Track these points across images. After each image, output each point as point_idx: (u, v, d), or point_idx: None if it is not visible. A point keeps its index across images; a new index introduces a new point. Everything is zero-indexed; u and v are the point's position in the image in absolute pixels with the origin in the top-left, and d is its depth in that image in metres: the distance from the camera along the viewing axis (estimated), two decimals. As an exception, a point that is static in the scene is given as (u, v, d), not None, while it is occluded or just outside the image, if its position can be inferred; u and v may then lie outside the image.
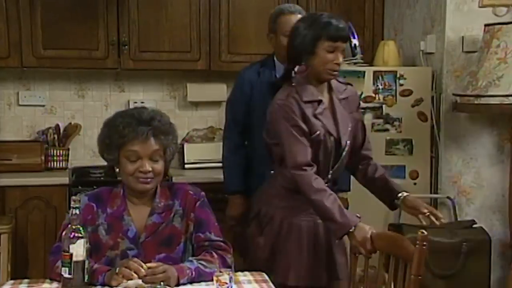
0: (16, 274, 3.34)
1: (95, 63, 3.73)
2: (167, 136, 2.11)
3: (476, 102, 2.91)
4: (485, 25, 3.03)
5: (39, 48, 3.62)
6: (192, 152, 4.05)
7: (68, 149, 3.90)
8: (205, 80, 4.13)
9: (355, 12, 3.99)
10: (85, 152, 4.01)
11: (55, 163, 3.83)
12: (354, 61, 3.43)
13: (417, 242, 1.94)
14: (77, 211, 1.90)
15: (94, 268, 1.99)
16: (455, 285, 3.14)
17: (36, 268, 3.43)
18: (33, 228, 3.49)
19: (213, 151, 4.08)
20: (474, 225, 3.25)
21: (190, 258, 2.07)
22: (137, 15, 3.74)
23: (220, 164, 4.03)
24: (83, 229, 1.89)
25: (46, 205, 3.50)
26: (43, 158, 3.74)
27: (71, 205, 1.91)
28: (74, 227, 1.88)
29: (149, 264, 1.94)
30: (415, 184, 3.45)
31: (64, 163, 3.86)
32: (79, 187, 3.38)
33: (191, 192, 2.18)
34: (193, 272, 1.99)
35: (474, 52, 3.20)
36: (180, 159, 4.06)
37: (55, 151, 3.83)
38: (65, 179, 3.54)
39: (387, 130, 3.41)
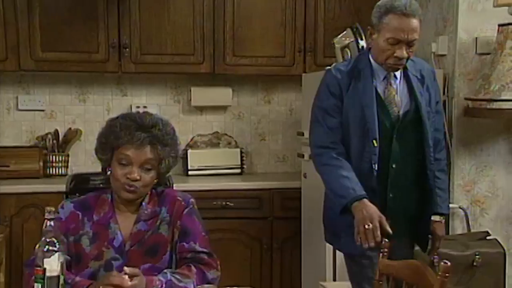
0: (11, 284, 3.27)
1: (95, 66, 3.66)
2: (165, 147, 2.01)
3: (488, 106, 2.75)
4: (499, 25, 2.87)
5: (37, 50, 3.56)
6: (196, 158, 3.95)
7: (68, 155, 3.82)
8: (210, 84, 4.02)
9: (365, 12, 3.79)
10: (86, 158, 3.92)
11: (54, 169, 3.76)
12: (361, 63, 3.27)
13: (439, 273, 1.82)
14: (52, 223, 1.79)
15: (76, 280, 1.90)
16: (468, 300, 2.97)
17: (32, 277, 3.34)
18: (28, 237, 3.40)
19: (218, 157, 3.99)
20: (488, 237, 3.09)
21: (165, 271, 1.96)
22: (139, 16, 3.66)
23: (225, 171, 3.97)
24: (58, 241, 1.78)
25: (43, 213, 3.38)
26: (41, 164, 3.67)
27: (46, 216, 1.81)
28: (48, 239, 1.77)
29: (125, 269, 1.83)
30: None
31: (63, 169, 3.78)
32: (77, 195, 3.28)
33: (180, 199, 2.08)
34: (164, 285, 1.89)
35: (488, 54, 3.04)
36: (183, 166, 3.95)
37: (54, 157, 3.75)
38: (62, 186, 3.44)
39: (396, 136, 3.24)
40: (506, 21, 2.91)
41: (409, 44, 2.30)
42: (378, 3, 2.38)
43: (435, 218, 2.51)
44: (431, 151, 2.43)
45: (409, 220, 2.46)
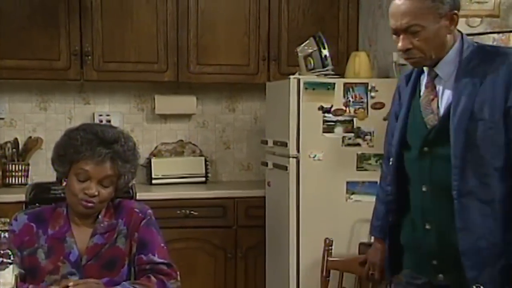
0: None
1: (57, 74, 3.60)
2: (125, 163, 1.97)
3: (448, 115, 2.78)
4: (457, 36, 2.91)
5: (-4, 58, 3.49)
6: (160, 167, 3.92)
7: (28, 164, 3.74)
8: (174, 92, 4.00)
9: (328, 21, 3.88)
10: (46, 167, 3.77)
11: (13, 179, 3.68)
12: (324, 72, 3.30)
13: None
14: (6, 235, 1.76)
15: None
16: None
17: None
18: (-14, 248, 3.31)
19: (182, 166, 3.97)
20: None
21: (124, 282, 1.93)
22: (101, 24, 3.62)
23: (190, 179, 3.95)
24: (12, 254, 1.74)
25: None
26: (0, 173, 3.59)
27: (0, 228, 1.77)
28: (2, 252, 1.74)
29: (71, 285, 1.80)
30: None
31: (24, 179, 3.71)
32: (37, 204, 3.22)
33: (137, 210, 2.05)
34: None
35: (447, 63, 3.08)
36: (147, 174, 3.92)
37: (13, 166, 3.67)
38: (22, 196, 3.38)
39: (358, 144, 3.27)
40: (465, 32, 2.96)
41: (407, 32, 1.87)
42: None
43: None
44: (458, 174, 1.86)
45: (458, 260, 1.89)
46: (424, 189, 1.97)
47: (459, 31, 1.98)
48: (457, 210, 1.86)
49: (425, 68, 2.00)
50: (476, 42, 2.03)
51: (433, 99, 1.96)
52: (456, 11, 1.90)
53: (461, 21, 3.06)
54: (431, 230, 1.95)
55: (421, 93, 2.00)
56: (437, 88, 1.96)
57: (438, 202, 1.93)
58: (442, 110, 1.93)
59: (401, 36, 1.89)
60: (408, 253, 2.07)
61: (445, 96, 1.94)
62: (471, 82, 1.87)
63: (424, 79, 2.01)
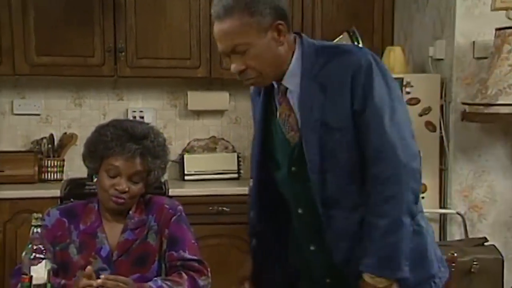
0: (4, 291, 3.24)
1: (91, 71, 3.63)
2: (155, 159, 1.98)
3: (485, 111, 2.71)
4: (496, 29, 2.84)
5: (32, 54, 3.53)
6: (192, 163, 3.91)
7: (63, 160, 3.79)
8: (207, 88, 4.00)
9: (363, 16, 3.82)
10: (81, 163, 3.78)
11: (49, 174, 3.72)
12: (358, 67, 3.24)
13: None
14: (39, 230, 1.77)
15: (62, 283, 1.91)
16: (466, 307, 2.92)
17: (25, 283, 3.31)
18: (22, 243, 3.32)
19: (214, 162, 3.96)
20: (486, 243, 3.05)
21: (156, 278, 1.93)
22: (135, 20, 3.63)
23: (222, 176, 3.94)
24: (45, 249, 1.76)
25: (36, 219, 3.37)
26: (36, 169, 3.64)
27: (32, 223, 1.78)
28: (35, 247, 1.76)
29: (101, 278, 1.80)
30: (423, 198, 3.22)
31: (59, 174, 3.75)
32: (72, 200, 3.25)
33: (167, 206, 2.05)
34: None
35: (485, 58, 3.01)
36: (180, 171, 3.92)
37: (49, 162, 3.72)
38: (57, 192, 3.42)
39: (393, 141, 3.21)
40: (504, 25, 2.88)
41: (235, 52, 1.72)
42: None
43: (364, 276, 1.72)
44: (319, 187, 1.75)
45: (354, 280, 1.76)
46: (300, 211, 1.86)
47: (299, 34, 1.82)
48: (325, 224, 1.77)
49: (274, 82, 1.84)
50: (317, 42, 1.83)
51: (290, 115, 1.81)
52: (280, 21, 1.73)
53: (501, 13, 3.00)
54: (316, 251, 1.86)
55: (277, 109, 1.84)
56: (291, 103, 1.80)
57: (316, 221, 1.79)
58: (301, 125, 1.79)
59: (232, 58, 1.74)
60: (298, 275, 1.96)
61: (299, 110, 1.79)
62: (318, 89, 1.74)
63: (277, 94, 1.85)
